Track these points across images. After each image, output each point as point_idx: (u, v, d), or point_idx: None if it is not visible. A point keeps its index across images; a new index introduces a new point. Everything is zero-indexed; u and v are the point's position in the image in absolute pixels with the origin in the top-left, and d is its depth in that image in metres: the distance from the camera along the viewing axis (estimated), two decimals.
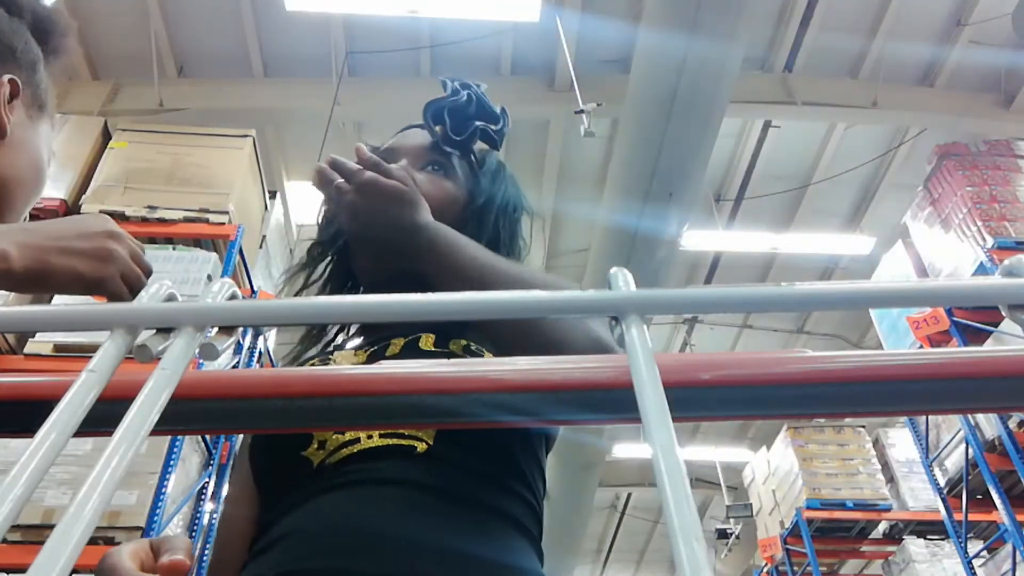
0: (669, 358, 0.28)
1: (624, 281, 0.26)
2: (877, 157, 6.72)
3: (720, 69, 4.52)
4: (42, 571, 0.16)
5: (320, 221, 1.06)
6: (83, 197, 3.53)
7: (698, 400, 0.29)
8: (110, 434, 0.20)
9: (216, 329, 0.28)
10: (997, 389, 0.28)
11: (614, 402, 0.29)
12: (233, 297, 0.28)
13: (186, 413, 0.29)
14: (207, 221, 3.48)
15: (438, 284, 0.85)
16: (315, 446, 0.78)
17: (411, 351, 0.86)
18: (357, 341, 0.98)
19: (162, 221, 3.45)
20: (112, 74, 5.77)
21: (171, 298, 0.28)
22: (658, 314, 0.25)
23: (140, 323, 0.25)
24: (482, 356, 0.86)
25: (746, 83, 5.59)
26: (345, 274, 1.04)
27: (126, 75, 5.72)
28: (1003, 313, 0.25)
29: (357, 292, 1.05)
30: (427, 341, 0.87)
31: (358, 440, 0.77)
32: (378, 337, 0.92)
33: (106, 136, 3.87)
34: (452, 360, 0.29)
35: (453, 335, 0.88)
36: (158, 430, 0.22)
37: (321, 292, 1.02)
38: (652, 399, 0.20)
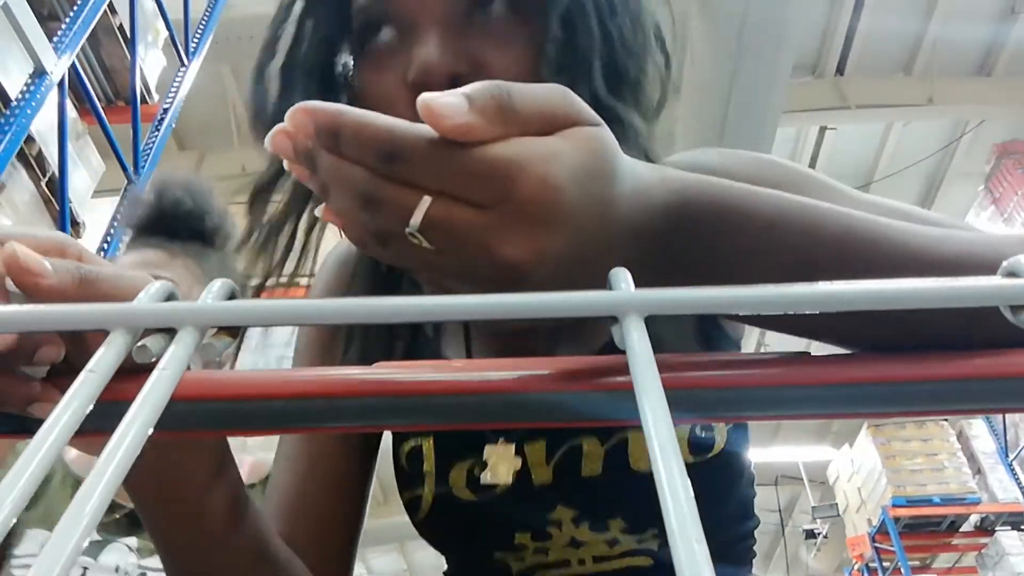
0: (669, 358, 0.28)
1: (624, 280, 0.26)
2: (939, 150, 6.57)
3: (768, 87, 4.49)
4: (42, 571, 0.15)
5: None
6: None
7: (698, 400, 0.29)
8: (110, 434, 0.20)
9: (216, 329, 0.28)
10: None
11: (614, 402, 0.29)
12: (233, 296, 0.27)
13: (186, 414, 0.29)
14: (297, 285, 3.75)
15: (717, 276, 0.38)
16: (512, 554, 0.63)
17: (617, 467, 0.61)
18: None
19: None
20: (197, 144, 6.23)
21: (171, 297, 0.27)
22: (659, 314, 0.24)
23: (140, 323, 0.25)
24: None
25: (798, 90, 5.49)
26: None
27: (209, 144, 6.17)
28: (1003, 313, 0.25)
29: None
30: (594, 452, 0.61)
31: (568, 564, 0.62)
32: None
33: None
34: (452, 360, 0.29)
35: None
36: (158, 431, 0.21)
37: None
38: (652, 399, 0.20)
